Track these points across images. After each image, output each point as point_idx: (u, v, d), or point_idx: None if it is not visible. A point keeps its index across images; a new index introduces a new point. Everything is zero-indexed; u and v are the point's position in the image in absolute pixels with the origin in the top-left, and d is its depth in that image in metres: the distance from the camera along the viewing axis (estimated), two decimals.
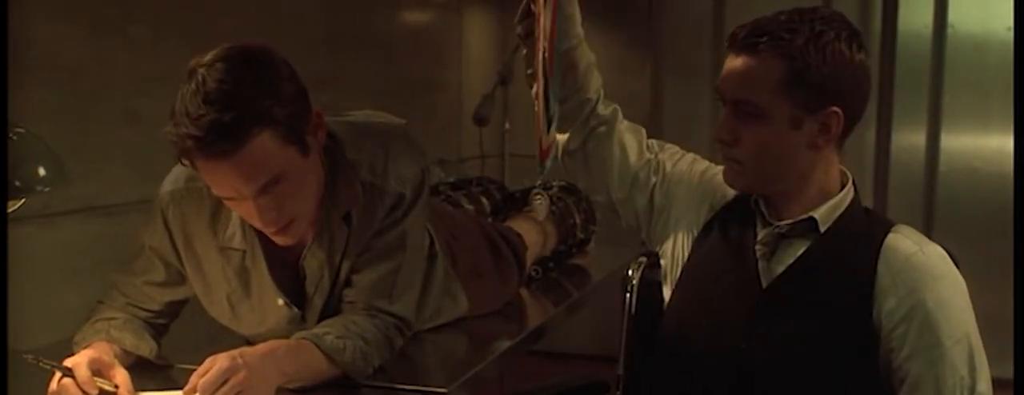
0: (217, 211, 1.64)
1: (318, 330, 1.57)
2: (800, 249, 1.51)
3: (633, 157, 1.68)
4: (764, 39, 1.43)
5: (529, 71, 1.64)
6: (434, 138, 3.56)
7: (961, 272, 1.49)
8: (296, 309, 1.67)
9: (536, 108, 1.60)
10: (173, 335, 1.75)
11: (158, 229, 1.67)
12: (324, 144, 1.58)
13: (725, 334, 1.53)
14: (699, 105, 3.84)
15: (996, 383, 1.47)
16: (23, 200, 1.45)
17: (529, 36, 1.60)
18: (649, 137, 1.73)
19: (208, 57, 1.43)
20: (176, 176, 1.66)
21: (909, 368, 1.44)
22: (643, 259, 1.84)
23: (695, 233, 1.63)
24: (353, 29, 3.09)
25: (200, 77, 1.40)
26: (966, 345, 1.44)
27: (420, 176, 1.68)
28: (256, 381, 1.41)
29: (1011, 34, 3.51)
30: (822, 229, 1.50)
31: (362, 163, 1.64)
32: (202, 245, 1.66)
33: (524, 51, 1.66)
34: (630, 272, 1.85)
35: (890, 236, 1.49)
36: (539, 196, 1.66)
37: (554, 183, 2.59)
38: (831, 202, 1.51)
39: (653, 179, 1.68)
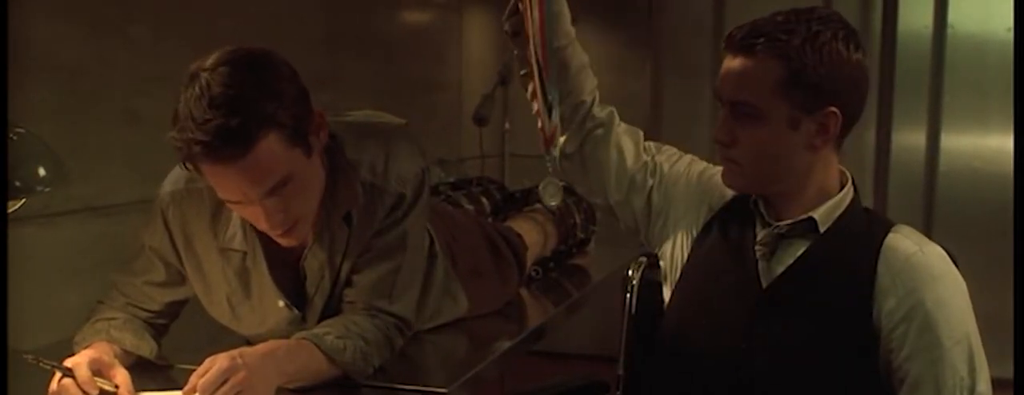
0: (217, 212, 1.64)
1: (318, 330, 1.57)
2: (800, 249, 1.50)
3: (630, 160, 1.68)
4: (761, 40, 1.42)
5: (523, 72, 1.63)
6: (434, 138, 3.56)
7: (961, 272, 1.49)
8: (296, 310, 1.67)
9: (534, 109, 1.60)
10: (173, 335, 1.75)
11: (158, 229, 1.67)
12: (325, 144, 1.58)
13: (725, 334, 1.52)
14: (699, 105, 3.84)
15: (996, 383, 1.46)
16: (23, 200, 1.44)
17: (517, 35, 1.59)
18: (649, 137, 1.73)
19: (210, 61, 1.42)
20: (176, 177, 1.66)
21: (909, 368, 1.44)
22: (643, 259, 1.84)
23: (694, 234, 1.63)
24: (353, 29, 3.09)
25: (204, 81, 1.39)
26: (966, 345, 1.44)
27: (420, 176, 1.68)
28: (256, 381, 1.41)
29: (1011, 34, 3.51)
30: (822, 229, 1.50)
31: (362, 163, 1.64)
32: (202, 246, 1.66)
33: (515, 51, 1.65)
34: (630, 272, 1.85)
35: (890, 236, 1.49)
36: (551, 184, 1.65)
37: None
38: (830, 202, 1.51)
39: (650, 181, 1.68)
